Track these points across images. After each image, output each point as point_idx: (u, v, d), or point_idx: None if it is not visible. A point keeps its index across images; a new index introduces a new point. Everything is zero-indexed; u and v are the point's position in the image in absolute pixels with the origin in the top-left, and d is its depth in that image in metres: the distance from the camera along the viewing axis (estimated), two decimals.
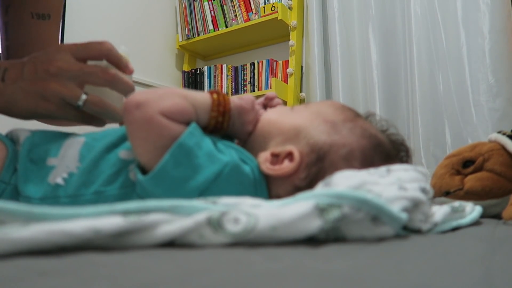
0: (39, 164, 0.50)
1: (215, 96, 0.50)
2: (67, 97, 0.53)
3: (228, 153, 0.47)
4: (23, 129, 0.55)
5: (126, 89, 0.56)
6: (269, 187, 0.48)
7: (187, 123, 0.46)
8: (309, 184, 0.46)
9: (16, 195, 0.48)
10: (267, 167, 0.48)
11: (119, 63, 0.57)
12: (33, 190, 0.47)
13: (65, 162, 0.50)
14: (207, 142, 0.46)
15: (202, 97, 0.49)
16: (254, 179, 0.47)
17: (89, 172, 0.49)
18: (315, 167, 0.47)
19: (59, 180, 0.48)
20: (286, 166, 0.47)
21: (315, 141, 0.49)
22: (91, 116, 0.57)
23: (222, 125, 0.50)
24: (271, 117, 0.54)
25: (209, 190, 0.44)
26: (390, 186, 0.39)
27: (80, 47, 0.55)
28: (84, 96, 0.54)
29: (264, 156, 0.49)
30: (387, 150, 0.51)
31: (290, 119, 0.52)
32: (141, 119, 0.45)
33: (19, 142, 0.52)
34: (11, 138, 0.53)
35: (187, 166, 0.44)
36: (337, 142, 0.48)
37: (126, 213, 0.28)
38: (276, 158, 0.49)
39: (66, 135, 0.55)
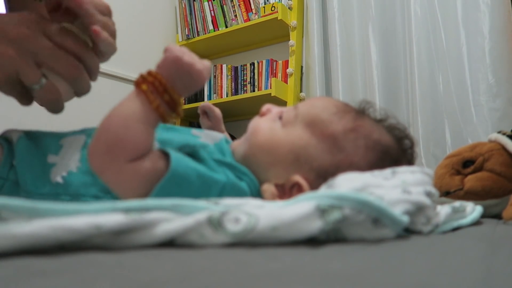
0: (40, 159, 0.50)
1: (152, 97, 0.43)
2: (26, 75, 0.45)
3: (222, 171, 0.45)
4: (15, 129, 0.54)
5: (83, 91, 0.51)
6: None
7: (151, 148, 0.43)
8: None
9: (16, 189, 0.48)
10: None
11: (92, 69, 0.50)
12: (34, 186, 0.48)
13: (65, 161, 0.50)
14: (194, 164, 0.43)
15: (136, 105, 0.42)
16: (251, 194, 0.46)
17: (90, 174, 0.48)
18: None
19: (59, 179, 0.48)
20: None
21: (319, 165, 0.46)
22: (30, 98, 0.50)
23: (173, 99, 0.44)
24: (260, 142, 0.49)
25: None
26: (394, 189, 0.38)
27: (56, 31, 0.47)
28: (43, 81, 0.46)
29: (269, 192, 0.46)
30: (394, 156, 0.49)
31: (284, 142, 0.48)
32: (113, 177, 0.41)
33: (13, 141, 0.52)
34: (5, 139, 0.53)
35: (182, 195, 0.41)
36: (343, 163, 0.46)
37: (127, 210, 0.28)
38: (281, 187, 0.47)
39: (62, 132, 0.55)
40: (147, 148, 0.43)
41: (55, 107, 0.50)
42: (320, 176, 0.46)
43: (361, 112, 0.51)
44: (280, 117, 0.52)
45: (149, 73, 0.44)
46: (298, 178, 0.46)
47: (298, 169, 0.47)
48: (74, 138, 0.53)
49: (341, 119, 0.49)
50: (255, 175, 0.48)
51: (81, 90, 0.50)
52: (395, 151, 0.49)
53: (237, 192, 0.44)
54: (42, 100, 0.49)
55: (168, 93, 0.43)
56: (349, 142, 0.47)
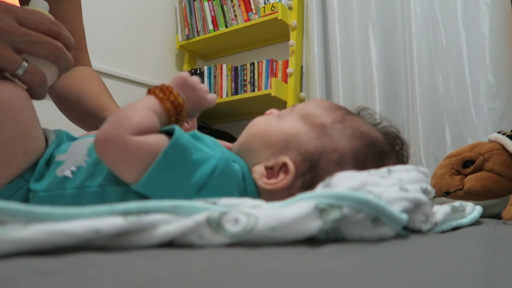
0: (51, 164, 0.50)
1: (161, 95, 0.49)
2: (7, 62, 0.46)
3: (219, 149, 0.48)
4: (49, 130, 0.54)
5: (68, 66, 0.52)
6: (264, 197, 0.48)
7: (155, 131, 0.46)
8: (305, 191, 0.46)
9: (28, 193, 0.48)
10: (264, 182, 0.48)
11: (69, 44, 0.52)
12: (40, 184, 0.48)
13: (74, 157, 0.50)
14: (194, 141, 0.47)
15: (147, 100, 0.48)
16: (242, 175, 0.49)
17: (96, 165, 0.48)
18: (309, 175, 0.47)
19: (68, 173, 0.48)
20: (283, 179, 0.48)
21: (306, 149, 0.49)
22: None
23: (178, 100, 0.49)
24: (256, 131, 0.54)
25: (206, 185, 0.44)
26: (391, 187, 0.39)
27: (27, 15, 0.48)
28: (25, 64, 0.47)
29: (259, 172, 0.49)
30: (381, 148, 0.51)
31: (277, 129, 0.52)
32: (117, 151, 0.43)
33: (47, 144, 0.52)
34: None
35: (181, 166, 0.44)
36: (328, 147, 0.49)
37: (126, 213, 0.28)
38: (270, 170, 0.49)
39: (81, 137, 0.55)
40: (152, 129, 0.45)
41: (42, 90, 0.51)
42: (306, 159, 0.49)
43: (354, 113, 0.55)
44: (279, 116, 0.56)
45: (160, 85, 0.50)
46: (285, 159, 0.49)
47: (287, 152, 0.50)
48: (84, 139, 0.53)
49: (333, 113, 0.52)
50: (248, 161, 0.51)
51: (65, 67, 0.52)
52: (382, 144, 0.51)
53: (230, 169, 0.47)
54: (28, 84, 0.49)
55: (173, 95, 0.49)
56: (336, 130, 0.50)
